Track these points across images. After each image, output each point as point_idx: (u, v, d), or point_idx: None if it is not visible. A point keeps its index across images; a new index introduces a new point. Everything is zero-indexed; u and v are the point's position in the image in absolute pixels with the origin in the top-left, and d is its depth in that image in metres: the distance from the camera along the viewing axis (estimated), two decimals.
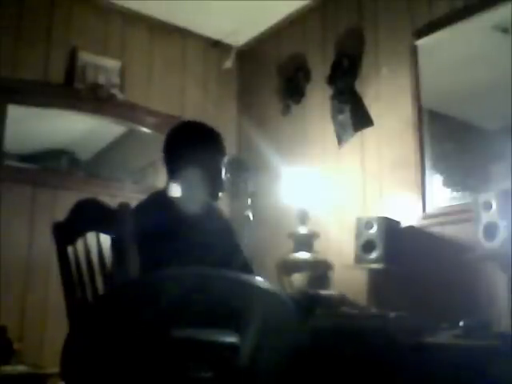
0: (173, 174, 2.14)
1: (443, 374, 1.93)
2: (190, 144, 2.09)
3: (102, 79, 3.58)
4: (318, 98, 3.54)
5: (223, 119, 4.11)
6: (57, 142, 3.62)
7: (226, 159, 2.17)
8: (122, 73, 3.68)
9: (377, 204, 3.07)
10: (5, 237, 3.05)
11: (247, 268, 2.16)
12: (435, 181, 2.84)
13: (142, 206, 2.03)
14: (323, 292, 2.67)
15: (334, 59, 3.45)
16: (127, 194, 3.32)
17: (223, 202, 3.92)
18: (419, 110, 2.94)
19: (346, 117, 3.32)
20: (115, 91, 3.62)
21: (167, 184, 2.15)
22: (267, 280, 1.59)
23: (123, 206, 1.57)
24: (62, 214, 1.79)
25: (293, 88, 3.74)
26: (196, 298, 1.42)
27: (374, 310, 2.61)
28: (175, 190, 2.10)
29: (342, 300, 2.56)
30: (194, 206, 2.09)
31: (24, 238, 3.17)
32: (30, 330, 3.06)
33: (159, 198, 2.11)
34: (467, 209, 2.49)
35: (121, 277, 1.54)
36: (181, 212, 2.05)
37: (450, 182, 2.80)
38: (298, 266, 3.01)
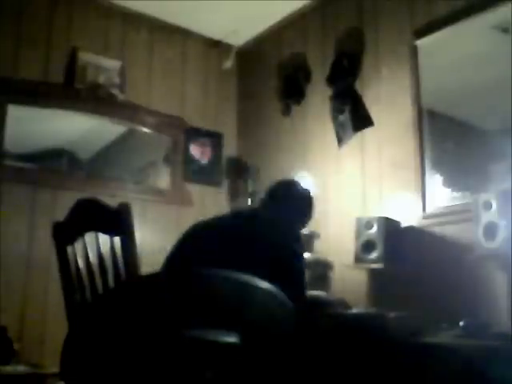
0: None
1: (443, 374, 1.93)
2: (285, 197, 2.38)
3: (102, 79, 3.58)
4: (318, 98, 3.54)
5: (223, 119, 4.12)
6: (57, 142, 3.61)
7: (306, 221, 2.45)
8: (122, 73, 3.68)
9: (377, 204, 3.07)
10: (5, 236, 3.06)
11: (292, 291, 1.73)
12: (435, 181, 2.83)
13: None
14: (323, 296, 2.68)
15: (334, 59, 3.45)
16: (127, 194, 3.33)
17: (223, 202, 3.94)
18: (419, 110, 2.93)
19: (345, 117, 3.32)
20: (115, 91, 3.62)
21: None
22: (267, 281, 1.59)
23: (123, 206, 1.57)
24: (61, 213, 1.79)
25: (293, 88, 3.74)
26: (196, 298, 1.42)
27: (373, 310, 2.61)
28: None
29: (340, 304, 2.57)
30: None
31: (24, 238, 3.17)
32: (30, 330, 3.06)
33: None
34: (467, 209, 2.48)
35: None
36: (217, 219, 2.12)
37: (450, 182, 2.80)
38: None
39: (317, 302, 2.50)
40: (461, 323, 2.15)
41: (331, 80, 3.43)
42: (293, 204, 2.36)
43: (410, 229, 2.85)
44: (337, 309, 2.50)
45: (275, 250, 1.94)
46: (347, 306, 2.59)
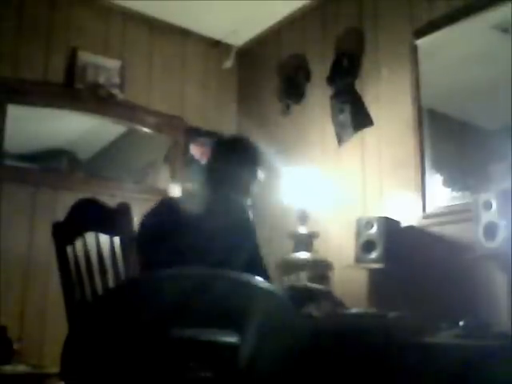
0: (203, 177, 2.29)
1: (443, 374, 1.93)
2: (227, 156, 2.30)
3: (102, 79, 3.58)
4: (318, 97, 3.54)
5: (223, 119, 4.12)
6: (57, 142, 3.62)
7: (260, 170, 2.33)
8: (122, 73, 3.68)
9: (377, 204, 3.07)
10: (5, 237, 3.06)
11: (257, 267, 2.03)
12: (435, 180, 2.83)
13: (151, 209, 2.10)
14: (310, 285, 2.69)
15: (334, 59, 3.45)
16: (127, 194, 3.33)
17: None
18: (419, 109, 2.93)
19: (345, 116, 3.32)
20: (115, 91, 3.62)
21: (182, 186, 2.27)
22: (276, 280, 1.60)
23: (123, 206, 1.57)
24: (62, 213, 1.80)
25: (293, 88, 3.74)
26: (196, 298, 1.42)
27: (374, 310, 2.61)
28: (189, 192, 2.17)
29: (326, 294, 2.57)
30: (202, 206, 2.08)
31: (24, 238, 3.17)
32: (30, 330, 3.06)
33: (165, 201, 2.14)
34: (467, 208, 2.48)
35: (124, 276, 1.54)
36: (184, 212, 2.04)
37: (450, 182, 2.80)
38: (298, 265, 3.00)
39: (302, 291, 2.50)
40: (461, 323, 2.15)
41: (331, 80, 3.43)
42: (241, 172, 2.28)
43: (410, 229, 2.85)
44: (320, 299, 2.50)
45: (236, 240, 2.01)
46: (333, 298, 2.59)
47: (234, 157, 2.29)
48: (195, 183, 2.28)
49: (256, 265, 2.05)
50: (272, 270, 2.90)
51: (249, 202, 2.31)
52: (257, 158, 2.35)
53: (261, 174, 2.35)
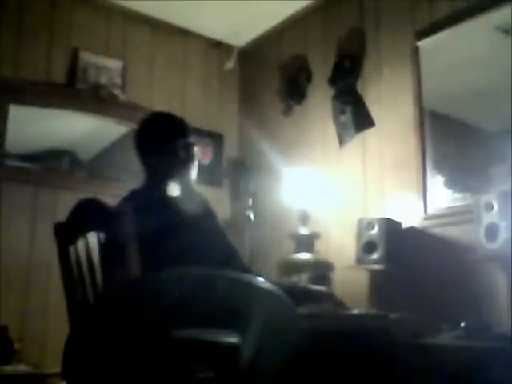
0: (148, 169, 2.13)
1: (444, 375, 1.93)
2: (149, 137, 2.12)
3: (103, 79, 3.59)
4: (320, 98, 3.54)
5: (224, 120, 4.12)
6: (58, 142, 3.62)
7: (187, 139, 2.14)
8: (124, 73, 3.68)
9: (378, 205, 3.07)
10: (6, 237, 3.06)
11: (242, 266, 2.11)
12: (436, 182, 2.84)
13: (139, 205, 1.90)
14: (311, 286, 2.68)
15: (336, 60, 3.45)
16: None
17: (225, 203, 3.94)
18: (421, 110, 2.93)
19: (347, 117, 3.33)
20: (117, 91, 3.62)
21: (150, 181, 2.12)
22: (268, 280, 1.60)
23: (124, 206, 1.57)
24: (63, 214, 1.80)
25: (294, 88, 3.74)
26: (197, 298, 1.42)
27: (375, 311, 2.61)
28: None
29: (327, 295, 2.56)
30: (190, 204, 2.06)
31: (25, 238, 3.17)
32: (31, 329, 3.06)
33: (150, 197, 2.05)
34: (468, 210, 2.49)
35: (122, 276, 1.54)
36: (178, 211, 2.03)
37: (451, 183, 2.80)
38: (299, 266, 3.00)
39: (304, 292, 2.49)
40: (462, 324, 2.15)
41: (333, 80, 3.43)
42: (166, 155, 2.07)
43: (412, 230, 2.85)
44: (322, 301, 2.49)
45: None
46: (335, 299, 2.59)
47: (145, 139, 2.10)
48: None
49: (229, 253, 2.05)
50: (268, 271, 2.92)
51: (188, 177, 2.14)
52: (165, 128, 2.13)
53: (188, 149, 2.13)
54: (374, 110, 3.20)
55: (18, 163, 3.32)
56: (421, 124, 2.92)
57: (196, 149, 2.14)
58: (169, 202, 2.03)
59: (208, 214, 2.16)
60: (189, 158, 2.14)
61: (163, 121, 2.16)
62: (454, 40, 2.85)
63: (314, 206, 3.20)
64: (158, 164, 2.08)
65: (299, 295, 2.39)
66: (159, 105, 3.81)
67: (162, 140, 2.08)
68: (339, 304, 2.62)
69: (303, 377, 1.99)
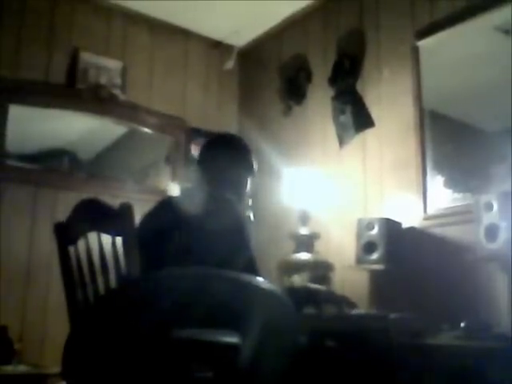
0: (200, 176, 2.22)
1: (444, 376, 1.93)
2: (221, 154, 2.25)
3: (103, 80, 3.59)
4: (319, 98, 3.54)
5: (224, 120, 4.12)
6: (58, 142, 3.62)
7: (251, 176, 2.32)
8: (124, 73, 3.69)
9: (378, 205, 3.07)
10: (6, 237, 3.06)
11: (250, 268, 2.10)
12: (436, 182, 2.84)
13: (150, 210, 2.06)
14: (313, 286, 2.67)
15: (336, 60, 3.45)
16: (128, 194, 3.32)
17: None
18: (420, 110, 2.94)
19: (347, 118, 3.33)
20: (117, 92, 3.62)
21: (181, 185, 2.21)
22: (268, 280, 1.60)
23: (125, 207, 1.57)
24: (63, 214, 1.79)
25: (294, 89, 3.74)
26: (197, 298, 1.42)
27: (375, 311, 2.61)
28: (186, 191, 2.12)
29: (328, 295, 2.55)
30: (199, 206, 2.07)
31: (25, 238, 3.17)
32: (31, 329, 3.06)
33: (165, 201, 2.12)
34: (468, 210, 2.48)
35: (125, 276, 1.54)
36: (182, 212, 2.03)
37: (451, 183, 2.80)
38: (299, 266, 3.01)
39: (306, 293, 2.48)
40: (462, 324, 2.15)
41: (332, 81, 3.43)
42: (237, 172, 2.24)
43: (411, 230, 2.86)
44: (340, 305, 2.47)
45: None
46: (351, 303, 2.57)
47: (227, 155, 2.25)
48: (192, 183, 2.24)
49: (248, 266, 2.05)
50: (268, 271, 2.91)
51: (246, 201, 2.30)
52: (250, 156, 2.34)
53: (254, 173, 2.34)
54: (374, 110, 3.20)
55: (17, 163, 3.32)
56: (421, 124, 2.92)
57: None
58: (174, 204, 2.05)
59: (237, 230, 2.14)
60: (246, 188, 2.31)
61: (245, 149, 2.37)
62: (454, 40, 2.85)
63: (313, 206, 3.20)
64: (230, 180, 2.21)
65: (299, 295, 2.39)
66: (159, 105, 3.82)
67: (238, 164, 2.28)
68: (352, 305, 2.58)
69: (303, 377, 1.99)
